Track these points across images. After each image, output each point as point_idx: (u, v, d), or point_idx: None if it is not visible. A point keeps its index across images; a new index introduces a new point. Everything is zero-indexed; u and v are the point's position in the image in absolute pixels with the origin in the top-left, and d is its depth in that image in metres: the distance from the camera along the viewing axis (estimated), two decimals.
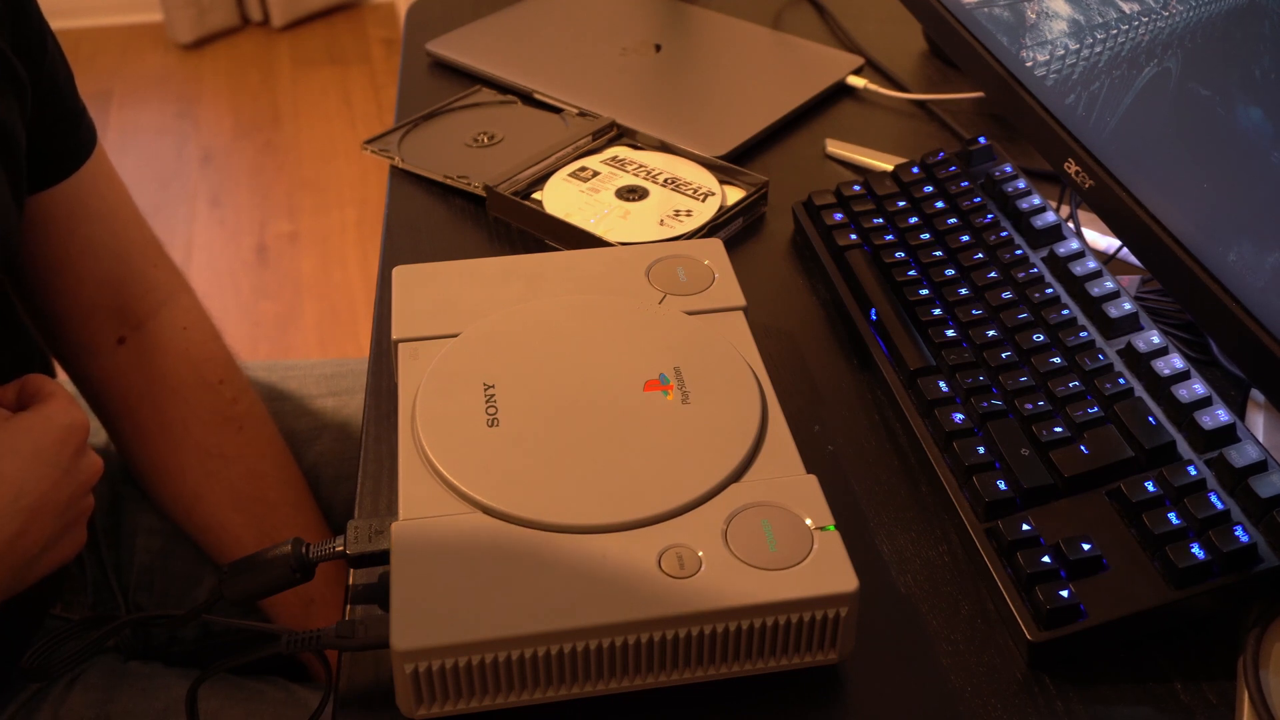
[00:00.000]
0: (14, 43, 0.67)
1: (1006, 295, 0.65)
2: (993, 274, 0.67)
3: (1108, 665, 0.51)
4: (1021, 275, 0.66)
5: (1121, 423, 0.57)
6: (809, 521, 0.50)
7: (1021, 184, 0.73)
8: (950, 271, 0.68)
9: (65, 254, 0.76)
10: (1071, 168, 0.66)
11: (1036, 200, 0.71)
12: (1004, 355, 0.62)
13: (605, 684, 0.47)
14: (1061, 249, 0.67)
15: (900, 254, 0.70)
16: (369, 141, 0.87)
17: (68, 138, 0.74)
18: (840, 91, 0.96)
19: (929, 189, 0.75)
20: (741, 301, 0.63)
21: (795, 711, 0.50)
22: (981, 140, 0.78)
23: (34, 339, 0.76)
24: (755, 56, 1.00)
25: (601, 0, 1.08)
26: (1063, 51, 0.67)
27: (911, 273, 0.69)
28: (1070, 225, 0.71)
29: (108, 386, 0.81)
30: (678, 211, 0.78)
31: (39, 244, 0.74)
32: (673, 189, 0.80)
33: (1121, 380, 0.59)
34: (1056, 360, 0.61)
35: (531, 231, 0.79)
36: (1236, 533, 0.51)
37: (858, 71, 0.97)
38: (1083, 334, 0.62)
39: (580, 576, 0.47)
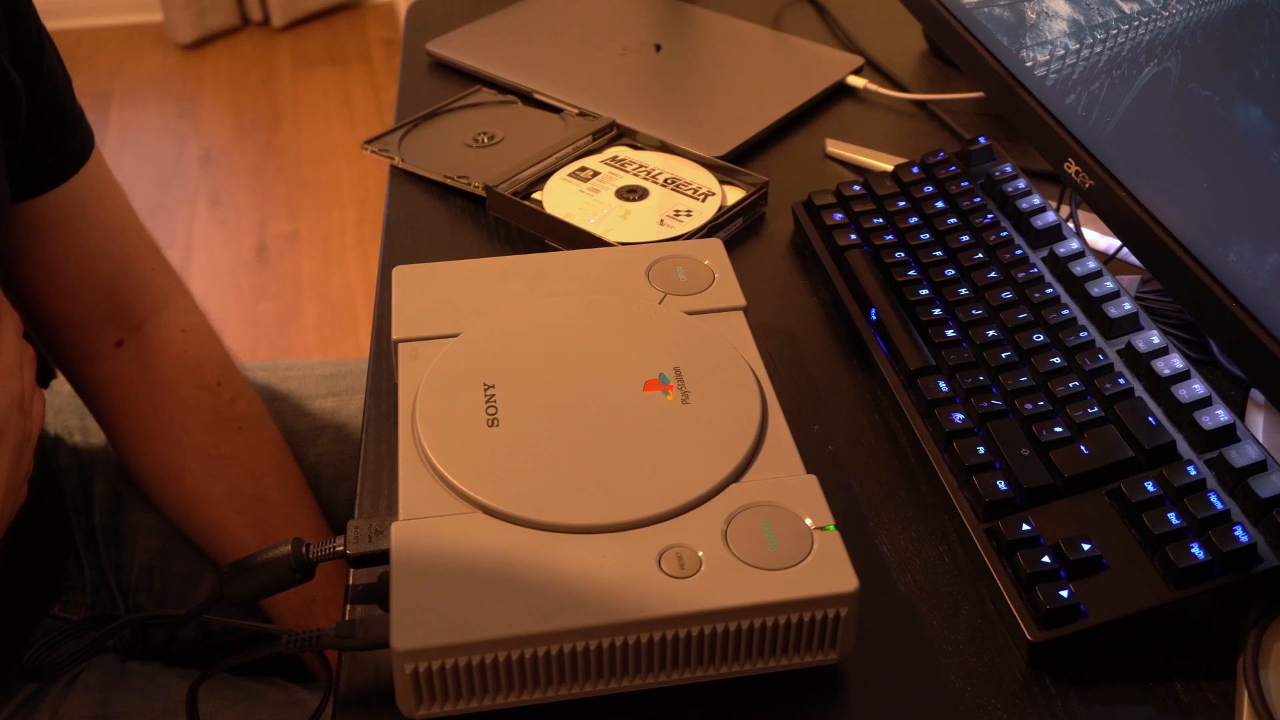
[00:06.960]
0: (11, 52, 0.67)
1: (1006, 295, 0.65)
2: (993, 274, 0.67)
3: (1108, 665, 0.51)
4: (1021, 275, 0.66)
5: (1121, 423, 0.57)
6: (809, 521, 0.50)
7: (1021, 184, 0.73)
8: (950, 271, 0.68)
9: (63, 258, 0.76)
10: (1071, 168, 0.66)
11: (1036, 200, 0.71)
12: (1004, 355, 0.62)
13: (605, 684, 0.47)
14: (1061, 249, 0.67)
15: (900, 254, 0.70)
16: (369, 141, 0.87)
17: (65, 142, 0.74)
18: (840, 91, 0.96)
19: (929, 189, 0.75)
20: (741, 301, 0.63)
21: (795, 711, 0.50)
22: (981, 140, 0.78)
23: (32, 342, 0.76)
24: (755, 56, 1.00)
25: (601, 0, 1.08)
26: (1063, 51, 0.67)
27: (911, 273, 0.69)
28: (1070, 225, 0.71)
29: (106, 389, 0.81)
30: (678, 211, 0.78)
31: (36, 248, 0.74)
32: (673, 189, 0.80)
33: (1121, 380, 0.59)
34: (1056, 360, 0.61)
35: (531, 231, 0.79)
36: (1236, 533, 0.51)
37: (858, 71, 0.97)
38: (1083, 334, 0.62)
39: (580, 576, 0.47)
